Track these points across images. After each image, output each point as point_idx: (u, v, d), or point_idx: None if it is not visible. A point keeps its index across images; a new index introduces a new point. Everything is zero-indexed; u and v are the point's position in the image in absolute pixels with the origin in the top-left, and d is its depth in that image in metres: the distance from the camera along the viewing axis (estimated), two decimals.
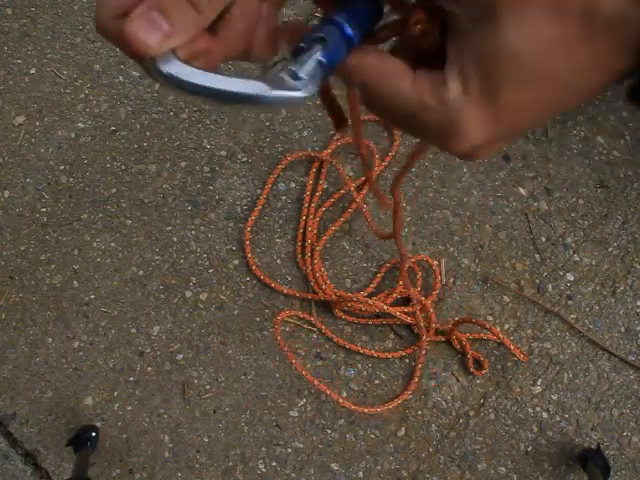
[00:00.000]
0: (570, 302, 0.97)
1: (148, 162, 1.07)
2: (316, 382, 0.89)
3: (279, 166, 1.03)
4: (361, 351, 0.94)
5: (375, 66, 0.26)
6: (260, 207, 1.01)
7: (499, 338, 0.92)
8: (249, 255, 0.99)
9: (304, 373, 0.89)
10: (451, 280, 0.98)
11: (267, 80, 0.25)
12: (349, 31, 0.26)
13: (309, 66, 0.25)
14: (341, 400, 0.89)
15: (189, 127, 1.08)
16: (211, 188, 1.04)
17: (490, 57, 0.23)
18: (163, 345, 0.96)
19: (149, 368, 0.95)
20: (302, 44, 0.26)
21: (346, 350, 0.95)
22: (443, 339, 0.94)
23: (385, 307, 0.91)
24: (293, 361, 0.88)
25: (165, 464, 0.91)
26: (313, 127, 1.06)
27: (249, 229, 1.00)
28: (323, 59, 0.26)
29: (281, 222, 1.02)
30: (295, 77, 0.25)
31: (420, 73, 0.25)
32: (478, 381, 0.93)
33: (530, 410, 0.92)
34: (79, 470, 0.82)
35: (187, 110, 1.10)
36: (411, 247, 1.00)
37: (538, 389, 0.93)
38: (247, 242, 0.99)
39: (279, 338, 0.92)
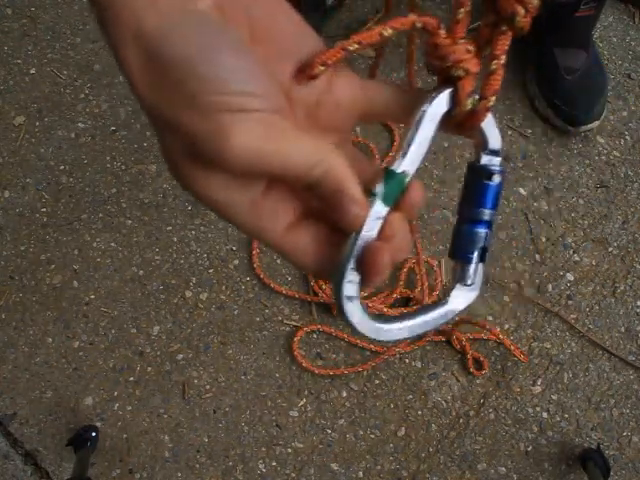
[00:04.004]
0: (570, 302, 0.97)
1: (148, 162, 1.07)
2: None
3: None
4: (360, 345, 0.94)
5: None
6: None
7: (499, 338, 0.92)
8: (254, 252, 0.98)
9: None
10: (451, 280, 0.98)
11: (441, 304, 0.30)
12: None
13: (477, 272, 0.30)
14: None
15: None
16: None
17: None
18: (163, 345, 0.96)
19: (149, 368, 0.95)
20: (467, 257, 0.30)
21: (346, 350, 0.95)
22: (443, 339, 0.94)
23: (384, 309, 0.91)
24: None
25: (165, 464, 0.91)
26: None
27: None
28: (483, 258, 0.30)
29: None
30: (469, 285, 0.30)
31: None
32: (478, 381, 0.93)
33: (530, 410, 0.92)
34: (79, 470, 0.82)
35: None
36: (411, 247, 1.00)
37: (538, 389, 0.93)
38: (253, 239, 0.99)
39: (300, 359, 0.92)
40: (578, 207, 1.02)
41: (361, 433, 0.92)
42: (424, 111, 0.27)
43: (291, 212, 0.28)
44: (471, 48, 0.27)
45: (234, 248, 1.01)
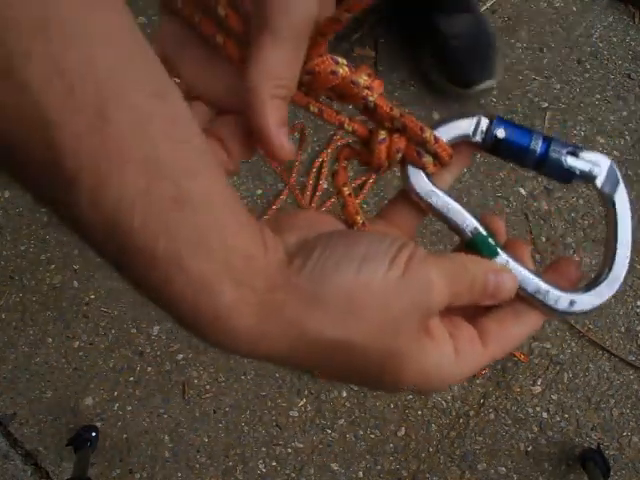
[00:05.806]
0: None
1: None
2: None
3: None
4: None
5: None
6: (261, 206, 1.01)
7: None
8: None
9: None
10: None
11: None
12: None
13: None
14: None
15: None
16: None
17: None
18: (163, 345, 0.96)
19: (149, 368, 0.95)
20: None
21: None
22: None
23: None
24: None
25: (165, 464, 0.91)
26: (313, 127, 1.06)
27: None
28: None
29: None
30: None
31: None
32: (478, 381, 0.93)
33: (530, 410, 0.92)
34: (79, 470, 0.82)
35: None
36: None
37: (538, 389, 0.93)
38: None
39: None
40: (578, 207, 1.02)
41: (361, 433, 0.92)
42: (419, 191, 0.30)
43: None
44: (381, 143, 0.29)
45: None
